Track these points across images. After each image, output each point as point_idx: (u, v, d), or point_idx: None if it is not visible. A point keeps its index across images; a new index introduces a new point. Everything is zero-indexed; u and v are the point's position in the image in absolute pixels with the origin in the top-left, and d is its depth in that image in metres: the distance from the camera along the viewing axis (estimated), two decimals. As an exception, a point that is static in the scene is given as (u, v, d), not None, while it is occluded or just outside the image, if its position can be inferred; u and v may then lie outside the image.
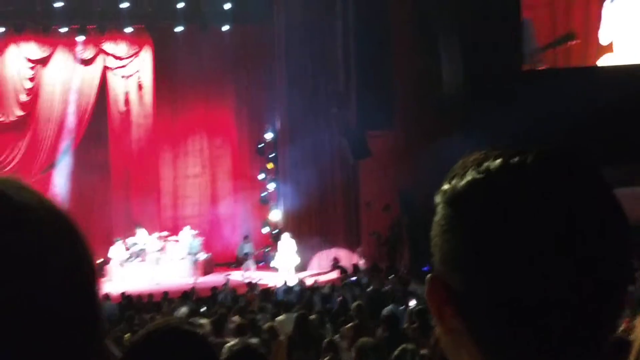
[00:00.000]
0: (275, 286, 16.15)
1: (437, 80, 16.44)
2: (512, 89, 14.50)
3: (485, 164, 0.80)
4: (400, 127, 17.40)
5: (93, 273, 0.72)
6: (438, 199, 0.83)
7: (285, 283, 15.87)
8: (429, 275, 0.83)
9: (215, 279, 18.60)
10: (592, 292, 0.75)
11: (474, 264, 0.77)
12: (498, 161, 0.79)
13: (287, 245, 19.10)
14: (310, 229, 20.36)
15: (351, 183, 19.73)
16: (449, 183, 0.82)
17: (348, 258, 19.47)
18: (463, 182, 0.80)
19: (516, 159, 0.79)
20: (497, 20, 15.14)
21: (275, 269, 19.17)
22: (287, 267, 18.73)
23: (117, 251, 19.79)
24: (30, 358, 0.65)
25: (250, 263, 19.56)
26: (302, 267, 19.46)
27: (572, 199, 0.76)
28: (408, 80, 17.12)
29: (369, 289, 13.30)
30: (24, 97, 20.89)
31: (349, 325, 8.31)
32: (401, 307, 10.65)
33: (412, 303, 10.73)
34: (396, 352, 4.62)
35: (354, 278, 15.85)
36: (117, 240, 20.02)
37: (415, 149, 15.96)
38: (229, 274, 18.35)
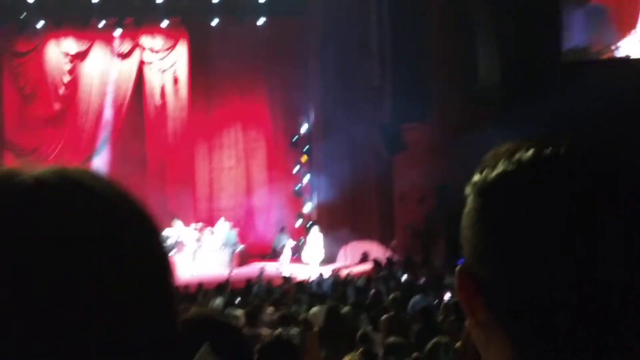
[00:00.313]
0: (309, 278, 16.22)
1: (474, 72, 16.26)
2: (550, 81, 14.28)
3: (517, 155, 0.79)
4: (435, 120, 17.27)
5: (167, 261, 0.74)
6: (468, 190, 0.83)
7: (321, 275, 15.93)
8: (458, 267, 0.83)
9: (250, 270, 18.73)
10: (591, 292, 0.74)
11: (499, 257, 0.77)
12: (530, 152, 0.79)
13: (315, 238, 19.20)
14: (344, 221, 20.36)
15: (385, 176, 19.66)
16: (480, 174, 0.82)
17: (377, 251, 19.49)
18: (494, 173, 0.80)
19: (548, 151, 0.78)
20: (536, 11, 14.90)
21: (304, 262, 19.24)
22: (314, 260, 18.83)
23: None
24: (107, 346, 0.66)
25: (287, 255, 19.63)
26: (332, 259, 19.54)
27: (583, 197, 0.75)
28: (444, 72, 16.97)
29: (403, 282, 13.27)
30: (62, 91, 21.23)
31: (385, 317, 8.30)
32: (436, 301, 10.61)
33: (447, 296, 10.69)
34: (429, 345, 4.60)
35: (387, 271, 15.83)
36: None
37: (451, 142, 15.84)
38: (264, 266, 18.46)
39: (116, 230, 0.68)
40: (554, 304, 0.75)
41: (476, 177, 0.82)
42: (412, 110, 16.78)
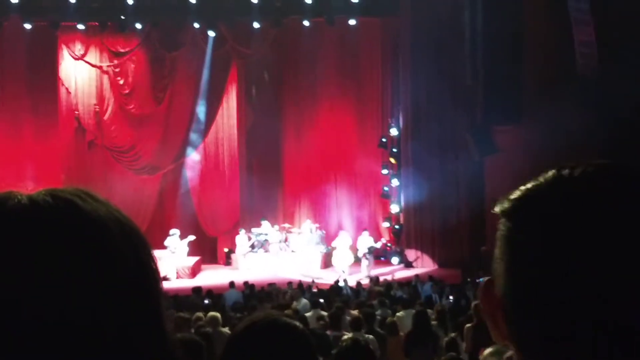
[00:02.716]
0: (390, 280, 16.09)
1: (571, 71, 15.62)
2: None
3: (541, 177, 0.82)
4: (529, 122, 16.73)
5: (157, 282, 0.79)
6: (497, 209, 0.85)
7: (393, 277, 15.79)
8: (485, 279, 0.85)
9: (335, 272, 18.73)
10: (614, 313, 0.73)
11: (512, 274, 0.79)
12: (550, 174, 0.81)
13: (344, 242, 19.15)
14: (433, 224, 20.07)
15: (476, 179, 19.24)
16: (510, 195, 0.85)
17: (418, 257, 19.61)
18: (517, 194, 0.83)
19: (566, 172, 0.80)
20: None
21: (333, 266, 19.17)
22: (342, 265, 18.76)
23: (241, 241, 20.36)
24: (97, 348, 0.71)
25: (371, 258, 19.46)
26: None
27: (599, 217, 0.75)
28: (539, 72, 16.42)
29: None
30: (158, 91, 21.86)
31: (469, 325, 8.08)
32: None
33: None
34: (508, 354, 4.41)
35: (477, 277, 15.48)
36: (241, 230, 20.60)
37: (546, 144, 15.28)
38: (345, 268, 18.37)
39: (104, 247, 0.74)
40: (574, 326, 0.74)
41: (503, 197, 0.85)
42: (505, 111, 16.33)
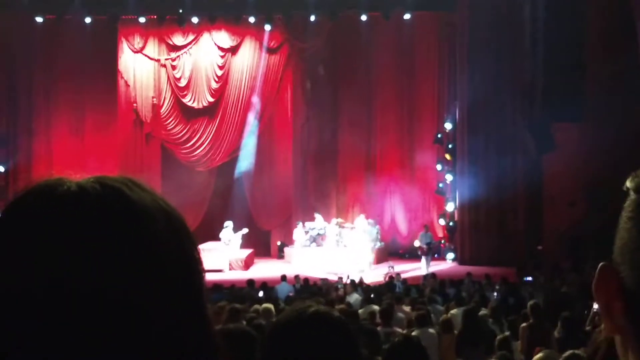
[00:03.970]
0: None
1: (635, 67, 15.19)
2: None
3: None
4: (590, 119, 16.34)
5: (199, 271, 0.80)
6: (628, 183, 0.75)
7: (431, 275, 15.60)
8: (601, 264, 0.75)
9: (388, 267, 18.64)
10: None
11: None
12: None
13: (363, 243, 18.94)
14: (488, 222, 19.80)
15: (534, 177, 18.88)
16: None
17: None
18: None
19: None
20: None
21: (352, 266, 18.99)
22: (360, 265, 18.54)
23: (299, 235, 20.42)
24: (132, 353, 0.71)
25: (430, 255, 19.26)
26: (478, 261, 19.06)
27: None
28: (601, 69, 16.02)
29: (547, 288, 12.71)
30: (214, 84, 22.10)
31: (524, 325, 7.95)
32: (585, 311, 10.04)
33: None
34: (565, 356, 4.31)
35: (530, 277, 15.24)
36: (298, 224, 20.67)
37: (607, 142, 14.91)
38: (392, 265, 18.24)
39: (149, 236, 0.74)
40: None
41: (636, 172, 0.76)
42: (565, 108, 15.99)
